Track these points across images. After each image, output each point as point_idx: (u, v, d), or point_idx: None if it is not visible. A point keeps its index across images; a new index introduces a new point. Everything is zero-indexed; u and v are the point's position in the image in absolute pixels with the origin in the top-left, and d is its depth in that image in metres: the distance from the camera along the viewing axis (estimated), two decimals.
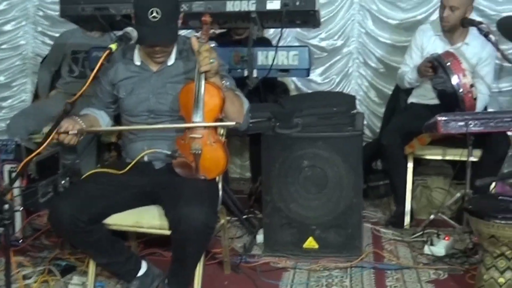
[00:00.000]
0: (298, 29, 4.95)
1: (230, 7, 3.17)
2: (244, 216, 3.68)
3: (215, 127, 2.55)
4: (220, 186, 2.77)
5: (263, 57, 3.43)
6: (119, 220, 2.58)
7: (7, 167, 3.38)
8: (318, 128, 3.22)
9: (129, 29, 2.39)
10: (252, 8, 3.16)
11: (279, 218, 3.30)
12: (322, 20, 4.79)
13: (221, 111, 2.51)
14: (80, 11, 3.25)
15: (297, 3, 3.11)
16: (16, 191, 3.36)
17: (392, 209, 3.93)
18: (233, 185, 4.71)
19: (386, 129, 3.85)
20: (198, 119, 2.49)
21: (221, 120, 2.55)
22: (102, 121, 2.79)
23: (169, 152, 2.55)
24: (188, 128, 2.52)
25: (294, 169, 3.24)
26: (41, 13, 5.25)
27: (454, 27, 3.73)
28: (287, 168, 3.24)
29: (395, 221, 3.74)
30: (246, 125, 2.70)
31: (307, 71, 3.49)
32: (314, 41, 4.98)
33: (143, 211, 2.62)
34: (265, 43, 4.25)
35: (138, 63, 2.69)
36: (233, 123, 2.53)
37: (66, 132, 2.47)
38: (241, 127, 2.66)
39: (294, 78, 5.00)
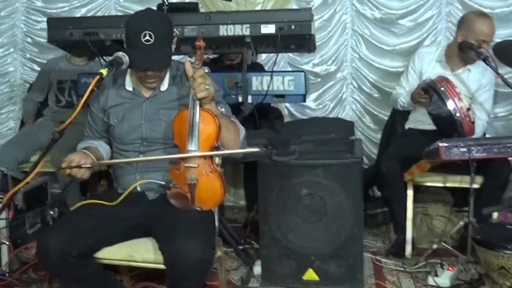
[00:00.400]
0: (291, 54, 4.90)
1: (223, 31, 3.08)
2: (240, 247, 3.55)
3: (211, 156, 2.43)
4: (216, 217, 2.65)
5: (258, 82, 3.34)
6: (110, 254, 2.44)
7: None
8: (316, 155, 3.12)
9: (120, 53, 2.29)
10: (247, 32, 3.07)
11: (277, 249, 3.17)
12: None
13: (217, 139, 2.40)
14: (68, 36, 3.15)
15: (293, 27, 3.02)
16: (2, 223, 3.23)
17: (392, 237, 3.81)
18: (228, 214, 4.60)
19: (385, 155, 3.75)
20: (193, 148, 2.37)
21: (217, 148, 2.44)
22: (103, 150, 2.68)
23: (163, 182, 2.43)
24: (182, 158, 2.41)
25: (292, 198, 3.12)
26: (29, 40, 5.17)
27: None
28: (285, 197, 3.13)
29: (396, 251, 3.62)
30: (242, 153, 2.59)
31: (304, 97, 3.40)
32: (308, 67, 4.92)
33: (136, 244, 2.49)
34: (258, 68, 4.17)
35: (129, 88, 2.58)
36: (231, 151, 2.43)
37: (79, 166, 2.36)
38: (237, 154, 2.55)
39: (288, 104, 4.94)
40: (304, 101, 3.49)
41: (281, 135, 3.17)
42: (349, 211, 3.10)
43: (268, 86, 3.26)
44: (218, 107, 2.41)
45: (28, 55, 5.16)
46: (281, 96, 3.39)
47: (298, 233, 3.14)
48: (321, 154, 3.12)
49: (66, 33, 3.15)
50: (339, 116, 4.95)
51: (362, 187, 3.54)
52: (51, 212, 3.55)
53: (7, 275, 3.22)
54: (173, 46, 2.51)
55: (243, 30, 3.07)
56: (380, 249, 3.79)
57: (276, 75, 3.34)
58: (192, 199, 2.41)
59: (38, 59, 5.09)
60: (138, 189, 2.55)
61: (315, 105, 4.99)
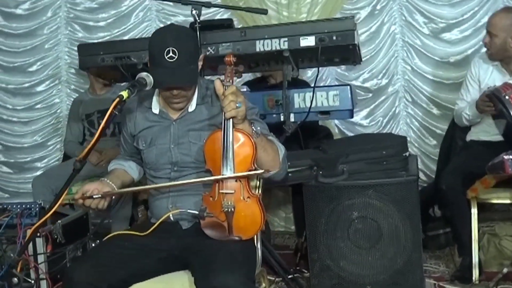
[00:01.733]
0: (338, 70, 4.69)
1: (260, 47, 2.90)
2: (290, 276, 3.31)
3: (248, 180, 2.23)
4: (259, 245, 2.45)
5: (300, 99, 3.12)
6: None
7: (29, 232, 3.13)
8: (367, 175, 2.91)
9: (144, 74, 2.13)
10: (284, 46, 2.87)
11: (329, 278, 2.95)
12: (364, 59, 4.57)
13: (254, 161, 2.19)
14: (100, 61, 3.03)
15: (334, 38, 2.81)
16: (41, 258, 3.11)
17: (457, 261, 3.49)
18: (278, 240, 4.40)
19: (444, 171, 3.45)
20: (228, 173, 2.18)
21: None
22: (132, 172, 2.55)
23: (196, 212, 2.23)
24: (217, 183, 2.21)
25: (343, 222, 2.90)
26: (73, 71, 5.13)
27: (498, 55, 3.39)
28: (335, 221, 2.91)
29: (462, 276, 3.30)
30: (283, 174, 2.37)
31: (351, 112, 3.16)
32: (357, 82, 4.67)
33: (171, 279, 2.30)
34: (303, 85, 3.96)
35: (156, 111, 2.42)
36: (268, 171, 2.23)
37: (91, 197, 2.22)
38: (277, 176, 2.35)
39: (337, 122, 4.70)
40: (351, 117, 3.25)
41: (328, 154, 2.94)
42: (406, 234, 2.85)
43: (311, 103, 3.03)
44: (253, 126, 2.21)
45: (72, 86, 5.12)
46: (326, 113, 3.16)
47: (351, 260, 2.92)
48: (373, 173, 2.91)
49: (97, 59, 3.04)
50: (394, 132, 4.67)
51: (421, 207, 3.30)
52: (93, 245, 3.42)
53: None
54: (200, 63, 2.33)
55: (280, 44, 2.88)
56: (444, 274, 3.48)
57: (319, 91, 3.11)
58: (229, 228, 2.21)
59: (81, 90, 5.03)
60: (171, 218, 2.36)
61: (366, 122, 4.73)
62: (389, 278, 2.86)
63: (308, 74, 4.73)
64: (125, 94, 1.99)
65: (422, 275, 2.89)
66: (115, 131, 4.25)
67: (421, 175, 4.57)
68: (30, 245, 3.13)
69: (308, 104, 3.10)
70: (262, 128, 2.37)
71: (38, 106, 5.11)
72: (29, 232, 3.08)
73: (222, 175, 2.18)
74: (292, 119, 3.13)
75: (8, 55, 5.10)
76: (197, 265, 2.17)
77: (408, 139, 4.58)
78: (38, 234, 3.13)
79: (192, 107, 2.39)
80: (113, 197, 2.34)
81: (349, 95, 3.10)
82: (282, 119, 3.16)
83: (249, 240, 2.27)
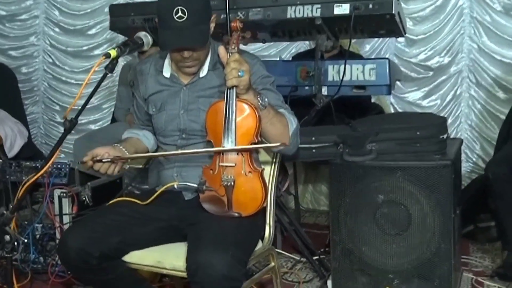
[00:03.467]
0: (398, 45, 4.43)
1: (291, 13, 2.74)
2: (316, 257, 3.17)
3: (250, 154, 2.10)
4: (271, 221, 2.35)
5: (334, 72, 2.93)
6: (139, 258, 2.22)
7: (57, 192, 3.16)
8: (397, 156, 2.67)
9: (142, 33, 2.04)
10: (317, 13, 2.70)
11: (350, 263, 2.76)
12: (426, 34, 4.29)
13: (257, 134, 2.06)
14: (130, 23, 2.96)
15: (370, 6, 2.60)
16: (66, 218, 3.13)
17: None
18: (307, 218, 4.26)
19: (493, 159, 3.19)
20: (229, 145, 2.06)
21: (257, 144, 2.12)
22: (147, 141, 2.46)
23: (195, 185, 2.13)
24: (218, 156, 2.10)
25: (368, 205, 2.70)
26: None
27: None
28: (359, 204, 2.71)
29: (504, 273, 3.05)
30: (293, 149, 2.23)
31: (388, 88, 2.94)
32: (417, 59, 4.39)
33: (167, 249, 2.25)
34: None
35: (167, 75, 2.32)
36: (276, 144, 2.08)
37: (100, 161, 2.15)
38: (287, 151, 2.21)
39: (392, 100, 4.46)
40: (389, 93, 3.03)
41: (356, 131, 2.75)
42: (436, 223, 2.62)
43: (343, 75, 2.84)
44: (259, 98, 2.07)
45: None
46: (362, 88, 2.96)
47: (375, 245, 2.71)
48: (403, 154, 2.67)
49: (128, 20, 2.97)
50: (454, 115, 4.37)
51: (476, 196, 3.06)
52: None
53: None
54: (212, 25, 2.21)
55: (313, 11, 2.71)
56: (487, 269, 3.23)
57: (355, 63, 2.91)
58: (228, 204, 2.11)
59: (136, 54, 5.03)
60: (176, 187, 2.27)
61: (425, 102, 4.46)
62: (414, 269, 2.64)
63: (366, 48, 4.50)
64: (113, 52, 1.89)
65: (451, 267, 2.66)
66: None
67: (480, 162, 4.27)
68: (56, 205, 3.18)
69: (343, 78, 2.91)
70: (276, 99, 2.24)
71: (96, 69, 5.12)
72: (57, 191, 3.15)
73: (223, 147, 2.07)
74: (324, 92, 2.95)
75: (69, 17, 5.16)
76: (190, 238, 2.09)
77: (469, 122, 4.34)
78: (64, 194, 3.17)
79: (203, 72, 2.28)
80: (125, 164, 2.29)
81: (387, 70, 2.89)
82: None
83: (252, 217, 2.14)
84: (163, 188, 2.21)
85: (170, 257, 2.17)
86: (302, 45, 4.57)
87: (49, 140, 5.32)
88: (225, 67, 2.01)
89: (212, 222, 2.09)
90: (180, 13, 2.06)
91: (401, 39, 4.37)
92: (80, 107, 2.08)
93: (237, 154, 2.09)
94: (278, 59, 3.10)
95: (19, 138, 4.29)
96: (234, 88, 2.02)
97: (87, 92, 2.10)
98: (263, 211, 2.40)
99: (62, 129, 5.14)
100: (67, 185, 3.21)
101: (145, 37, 2.03)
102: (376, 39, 4.43)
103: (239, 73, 1.97)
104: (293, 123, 2.19)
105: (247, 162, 2.09)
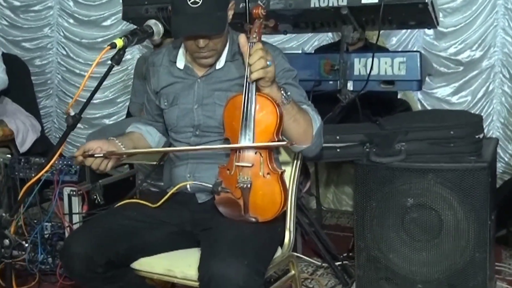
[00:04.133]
0: (427, 38, 4.22)
1: (315, 2, 2.54)
2: (338, 263, 2.98)
3: (270, 153, 1.91)
4: (291, 226, 2.19)
5: (361, 65, 2.73)
6: (148, 265, 2.05)
7: (67, 190, 3.01)
8: (428, 157, 2.48)
9: (152, 21, 1.87)
10: (343, 2, 2.49)
11: (375, 271, 2.58)
12: (457, 27, 4.08)
13: (278, 132, 1.88)
14: (143, 13, 2.78)
15: None
16: (75, 218, 2.98)
17: None
18: (329, 220, 4.10)
19: None
20: (246, 143, 1.88)
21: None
22: (151, 138, 2.29)
23: (210, 185, 1.95)
24: (235, 154, 1.92)
25: (396, 209, 2.51)
26: None
27: None
28: (386, 208, 2.52)
29: None
30: (316, 150, 2.04)
31: (419, 83, 2.73)
32: (447, 53, 4.17)
33: (178, 256, 2.08)
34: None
35: (181, 66, 2.14)
36: (292, 143, 1.90)
37: (92, 155, 1.99)
38: (309, 151, 2.03)
39: (420, 96, 4.25)
40: (419, 89, 2.81)
41: (385, 130, 2.55)
42: (470, 230, 2.42)
43: (371, 69, 2.63)
44: (283, 92, 1.88)
45: (145, 43, 4.94)
46: (390, 83, 2.75)
47: (402, 253, 2.53)
48: (435, 155, 2.48)
49: (141, 10, 2.80)
50: (486, 112, 4.15)
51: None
52: None
53: None
54: (230, 12, 2.02)
55: (339, 0, 2.50)
56: None
57: (383, 57, 2.70)
58: (245, 207, 1.92)
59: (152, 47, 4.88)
60: (188, 189, 2.10)
61: (455, 99, 4.24)
62: (445, 279, 2.45)
63: (393, 41, 4.29)
64: (119, 42, 1.72)
65: (485, 279, 2.45)
66: None
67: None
68: (66, 203, 3.03)
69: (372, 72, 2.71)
70: (299, 94, 2.05)
71: (110, 62, 4.98)
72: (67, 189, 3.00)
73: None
74: (350, 88, 2.76)
75: (83, 8, 5.02)
76: (204, 245, 1.93)
77: (502, 120, 4.11)
78: (74, 193, 3.02)
79: (220, 63, 2.09)
80: (121, 159, 2.13)
81: (418, 64, 2.68)
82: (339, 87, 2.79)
83: (270, 222, 1.95)
84: (173, 189, 2.05)
85: (182, 265, 1.99)
86: (325, 38, 4.38)
87: None
88: (247, 58, 1.82)
89: (228, 227, 1.92)
90: None
91: (429, 32, 4.17)
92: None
93: (255, 153, 1.91)
94: (300, 51, 2.90)
95: (32, 133, 4.18)
96: (258, 80, 1.83)
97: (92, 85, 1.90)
98: (282, 215, 2.23)
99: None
100: (77, 182, 3.05)
101: (155, 25, 1.85)
102: (403, 31, 4.22)
103: (268, 62, 1.78)
104: (316, 121, 2.00)
105: (266, 163, 1.90)
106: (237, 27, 2.15)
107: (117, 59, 1.73)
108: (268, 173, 1.90)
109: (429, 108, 4.26)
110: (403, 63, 2.67)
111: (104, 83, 4.86)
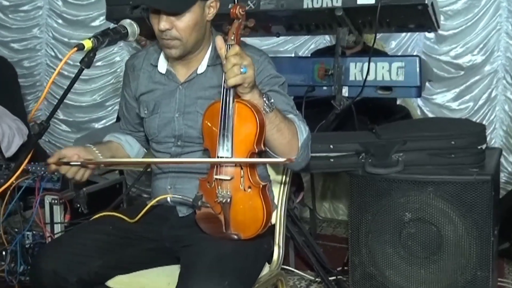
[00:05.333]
0: (427, 42, 4.08)
1: (308, 3, 2.38)
2: (332, 278, 2.82)
3: (251, 166, 1.76)
4: (279, 241, 2.07)
5: (357, 70, 2.57)
6: (124, 284, 1.91)
7: (48, 198, 2.86)
8: (427, 169, 2.34)
9: (126, 21, 1.72)
10: (338, 3, 2.34)
11: None
12: (458, 30, 3.94)
13: (259, 142, 1.72)
14: (128, 13, 2.63)
15: None
16: (57, 228, 2.84)
17: None
18: (325, 229, 3.92)
19: None
20: (224, 154, 1.73)
21: (260, 155, 1.78)
22: (129, 148, 2.14)
23: (190, 199, 1.81)
24: (215, 166, 1.77)
25: (393, 224, 2.37)
26: None
27: None
28: (383, 222, 2.39)
29: None
30: (302, 163, 1.88)
31: (418, 90, 2.58)
32: (447, 57, 4.03)
33: (157, 274, 1.94)
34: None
35: (162, 70, 1.99)
36: (280, 159, 1.78)
37: (67, 163, 1.84)
38: (295, 165, 1.87)
39: (420, 102, 4.11)
40: (419, 95, 2.66)
41: (381, 139, 2.40)
42: (472, 246, 2.29)
43: (367, 74, 2.48)
44: (265, 99, 1.72)
45: (134, 45, 4.80)
46: (388, 89, 2.60)
47: (400, 270, 2.39)
48: (435, 167, 2.34)
49: (126, 9, 2.64)
50: (488, 119, 4.00)
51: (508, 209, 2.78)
52: None
53: None
54: (210, 10, 1.86)
55: (333, 1, 2.36)
56: None
57: (381, 61, 2.55)
58: (226, 224, 1.78)
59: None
60: (169, 201, 1.95)
61: (455, 105, 4.10)
62: None
63: (392, 45, 4.15)
64: (87, 43, 1.56)
65: None
66: None
67: None
68: (47, 212, 2.89)
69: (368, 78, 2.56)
70: (285, 103, 1.89)
71: (99, 63, 4.86)
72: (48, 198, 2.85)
73: (218, 157, 1.74)
74: (345, 94, 2.60)
75: (72, 8, 4.90)
76: (182, 263, 1.79)
77: (504, 128, 3.97)
78: (56, 201, 2.88)
79: (202, 68, 1.94)
80: (96, 169, 1.98)
81: (417, 69, 2.52)
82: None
83: (255, 238, 1.80)
84: (153, 202, 1.90)
85: (161, 284, 1.87)
86: (322, 41, 4.23)
87: (52, 139, 5.03)
88: (223, 61, 1.68)
89: (208, 245, 1.78)
90: None
91: (430, 35, 4.03)
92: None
93: (235, 165, 1.76)
94: (293, 55, 2.75)
95: (18, 137, 4.02)
96: (235, 87, 1.68)
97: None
98: (271, 229, 2.09)
99: (65, 127, 4.90)
100: (60, 190, 2.90)
101: (130, 26, 1.70)
102: (403, 34, 4.08)
103: (242, 70, 1.62)
104: (303, 132, 1.84)
105: (247, 176, 1.75)
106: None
107: (87, 61, 1.57)
108: (249, 187, 1.75)
109: (429, 114, 4.12)
110: (402, 68, 2.52)
111: (93, 85, 4.74)
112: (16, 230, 2.91)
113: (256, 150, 1.72)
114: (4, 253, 2.91)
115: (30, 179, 2.91)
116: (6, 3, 4.99)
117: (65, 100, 4.70)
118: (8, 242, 2.92)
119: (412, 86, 2.56)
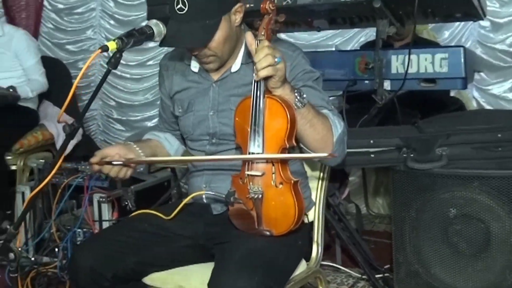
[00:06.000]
0: (482, 31, 3.93)
1: None
2: (379, 275, 2.77)
3: (283, 162, 1.74)
4: (319, 238, 2.05)
5: (399, 63, 2.50)
6: (160, 281, 1.92)
7: (96, 196, 2.93)
8: (472, 163, 2.26)
9: (153, 21, 1.72)
10: None
11: (417, 286, 2.36)
12: None
13: (290, 138, 1.70)
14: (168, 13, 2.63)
15: None
16: (105, 225, 2.90)
17: None
18: (365, 225, 3.81)
19: None
20: (255, 150, 1.72)
21: (291, 150, 1.76)
22: (169, 146, 2.15)
23: (223, 195, 1.80)
24: (247, 162, 1.76)
25: (438, 220, 2.31)
26: None
27: None
28: (427, 218, 2.32)
29: None
30: (339, 157, 1.84)
31: (463, 81, 2.48)
32: (503, 45, 3.87)
33: (192, 271, 1.93)
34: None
35: (195, 69, 1.99)
36: (317, 155, 1.76)
37: (109, 163, 1.87)
38: (330, 160, 1.84)
39: (476, 94, 3.96)
40: (464, 87, 2.56)
41: (424, 133, 2.33)
42: None
43: (407, 67, 2.41)
44: (297, 94, 1.70)
45: None
46: (432, 81, 2.52)
47: (446, 267, 2.33)
48: (481, 161, 2.26)
49: (166, 9, 2.64)
50: None
51: None
52: None
53: None
54: (237, 17, 1.84)
55: None
56: None
57: (423, 53, 2.47)
58: (258, 220, 1.76)
59: None
60: (204, 199, 1.97)
61: None
62: None
63: (445, 35, 4.02)
64: (111, 45, 1.57)
65: None
66: None
67: None
68: (96, 210, 2.96)
69: (409, 69, 2.48)
70: (319, 98, 1.86)
71: (150, 62, 4.94)
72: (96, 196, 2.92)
73: (249, 152, 1.73)
74: (387, 87, 2.54)
75: (124, 8, 4.97)
76: (216, 260, 1.78)
77: None
78: (103, 199, 2.94)
79: (236, 66, 1.93)
80: (141, 168, 2.01)
81: (462, 60, 2.43)
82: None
83: (289, 235, 1.78)
84: (187, 199, 1.90)
85: (194, 281, 1.86)
86: (372, 33, 4.14)
87: (107, 137, 5.15)
88: (254, 56, 1.66)
89: (241, 241, 1.76)
90: (180, 4, 1.75)
91: (485, 23, 3.87)
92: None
93: (266, 161, 1.74)
94: (333, 49, 2.71)
95: None
96: (262, 81, 1.67)
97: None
98: (309, 226, 2.07)
99: (119, 126, 4.99)
100: (108, 188, 2.97)
101: (156, 26, 1.70)
102: (456, 24, 3.95)
103: (276, 59, 1.60)
104: (337, 127, 1.81)
105: (278, 171, 1.73)
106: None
107: (114, 62, 1.58)
108: (280, 183, 1.73)
109: (485, 106, 3.97)
110: (445, 59, 2.43)
111: (145, 84, 4.79)
112: (68, 227, 3.01)
113: (287, 146, 1.70)
114: (56, 250, 3.02)
115: (79, 177, 3.01)
116: (61, 6, 5.13)
117: (119, 100, 4.84)
118: (60, 239, 3.02)
119: (457, 77, 2.47)
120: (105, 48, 1.56)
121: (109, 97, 5.10)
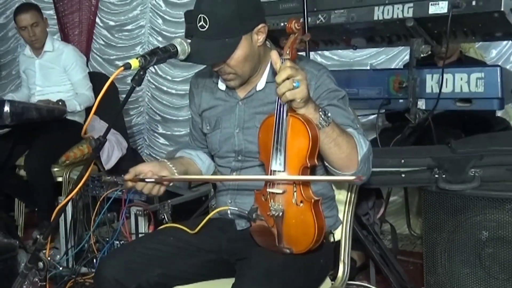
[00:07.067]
0: None
1: (379, 14, 2.33)
2: None
3: (305, 181, 1.75)
4: (345, 257, 2.05)
5: (434, 82, 2.47)
6: None
7: (133, 210, 3.01)
8: (507, 185, 2.19)
9: (177, 40, 1.75)
10: (409, 14, 2.27)
11: None
12: None
13: (311, 157, 1.71)
14: None
15: (473, 3, 2.14)
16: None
17: None
18: (405, 245, 3.86)
19: None
20: (277, 167, 1.74)
21: (313, 169, 1.77)
22: (200, 163, 2.18)
23: (245, 212, 1.83)
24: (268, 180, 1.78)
25: (470, 243, 2.24)
26: None
27: None
28: (459, 241, 2.26)
29: None
30: (364, 176, 1.83)
31: (500, 102, 2.42)
32: None
33: (216, 286, 1.97)
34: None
35: (222, 87, 2.03)
36: (350, 178, 1.78)
37: (142, 180, 1.92)
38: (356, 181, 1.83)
39: None
40: (501, 107, 2.49)
41: (456, 153, 2.29)
42: None
43: (441, 85, 2.38)
44: (321, 113, 1.71)
45: None
46: (467, 101, 2.47)
47: None
48: None
49: None
50: None
51: None
52: None
53: None
54: (260, 36, 1.87)
55: (404, 11, 2.29)
56: None
57: (458, 72, 2.43)
58: (279, 237, 1.77)
59: None
60: (229, 215, 1.99)
61: None
62: None
63: (493, 54, 3.94)
64: (134, 63, 1.62)
65: None
66: None
67: None
68: (132, 222, 3.02)
69: (445, 90, 2.45)
70: (345, 117, 1.87)
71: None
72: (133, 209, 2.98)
73: (271, 170, 1.75)
74: (422, 106, 2.51)
75: (171, 25, 5.08)
76: (237, 276, 1.81)
77: None
78: (140, 213, 3.00)
79: (261, 84, 1.96)
80: (170, 184, 2.05)
81: (498, 79, 2.38)
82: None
83: (311, 252, 1.78)
84: (212, 213, 1.95)
85: None
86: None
87: (152, 151, 5.25)
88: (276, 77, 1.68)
89: (260, 258, 1.79)
90: (202, 22, 1.79)
91: None
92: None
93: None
94: (368, 68, 2.70)
95: (117, 150, 4.24)
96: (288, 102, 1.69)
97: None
98: (336, 245, 2.07)
99: (163, 140, 5.07)
100: (146, 202, 3.04)
101: (181, 44, 1.74)
102: (504, 43, 3.87)
103: (294, 84, 1.62)
104: (363, 146, 1.80)
105: (299, 190, 1.74)
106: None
107: (137, 80, 1.64)
108: (301, 201, 1.74)
109: None
110: (481, 79, 2.39)
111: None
112: (107, 239, 3.09)
113: (309, 165, 1.71)
114: (95, 260, 3.11)
115: (118, 190, 3.09)
116: (112, 23, 5.29)
117: (164, 115, 4.91)
118: (98, 250, 3.10)
119: (494, 97, 2.41)
120: (127, 66, 1.62)
121: (155, 112, 5.21)
